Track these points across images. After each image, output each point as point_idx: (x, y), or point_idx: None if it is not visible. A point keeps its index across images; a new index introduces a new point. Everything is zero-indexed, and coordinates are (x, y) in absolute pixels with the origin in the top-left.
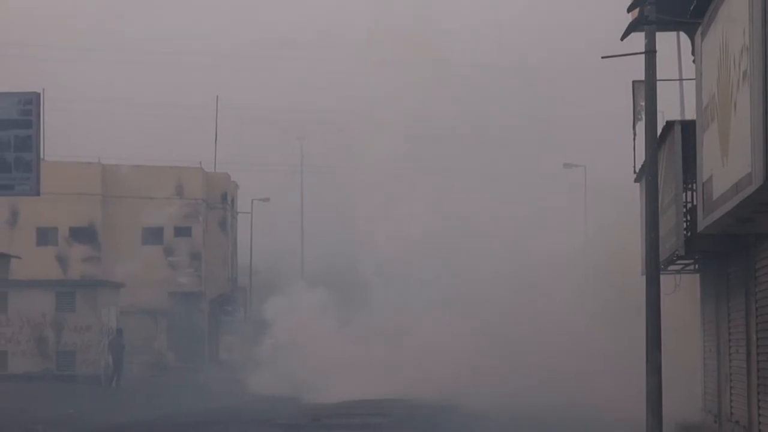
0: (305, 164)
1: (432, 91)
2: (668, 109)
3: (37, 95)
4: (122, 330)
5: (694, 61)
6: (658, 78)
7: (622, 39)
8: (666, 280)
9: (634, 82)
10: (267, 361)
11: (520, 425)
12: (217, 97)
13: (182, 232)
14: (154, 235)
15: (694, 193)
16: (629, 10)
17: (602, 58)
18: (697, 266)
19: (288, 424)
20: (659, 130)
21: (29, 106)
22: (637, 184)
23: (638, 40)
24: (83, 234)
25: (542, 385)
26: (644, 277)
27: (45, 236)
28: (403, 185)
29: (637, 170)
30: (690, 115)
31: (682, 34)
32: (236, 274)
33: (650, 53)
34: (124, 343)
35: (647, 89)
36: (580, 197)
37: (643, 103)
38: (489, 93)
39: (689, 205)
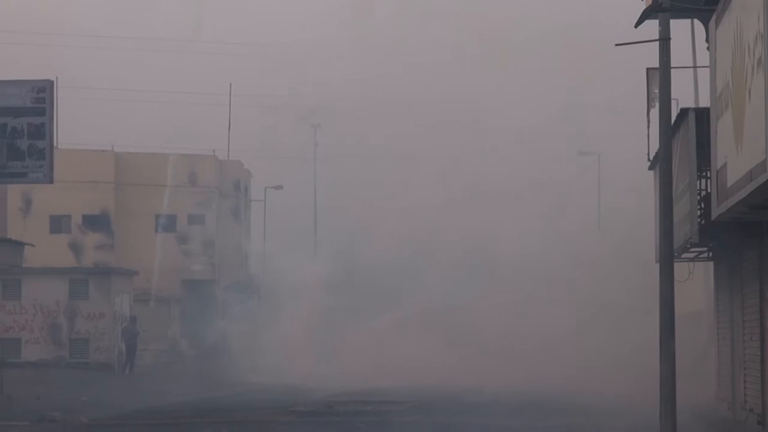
0: (318, 152)
1: (445, 80)
2: (682, 97)
3: (51, 83)
4: (136, 317)
5: (708, 49)
6: (672, 65)
7: (636, 26)
8: (680, 268)
9: (648, 69)
10: (279, 348)
11: (519, 411)
12: (231, 85)
13: (195, 219)
14: (167, 223)
15: (708, 181)
16: None
17: (616, 45)
18: (710, 254)
19: (303, 412)
20: (673, 118)
21: (42, 93)
22: (651, 172)
23: (652, 27)
24: (96, 222)
25: (556, 372)
26: (658, 264)
27: (58, 224)
28: (416, 172)
29: (651, 158)
30: (704, 102)
31: (697, 22)
32: (249, 261)
33: (664, 40)
34: (138, 331)
35: (661, 76)
36: (594, 184)
37: (657, 91)
38: (502, 79)
39: (703, 193)
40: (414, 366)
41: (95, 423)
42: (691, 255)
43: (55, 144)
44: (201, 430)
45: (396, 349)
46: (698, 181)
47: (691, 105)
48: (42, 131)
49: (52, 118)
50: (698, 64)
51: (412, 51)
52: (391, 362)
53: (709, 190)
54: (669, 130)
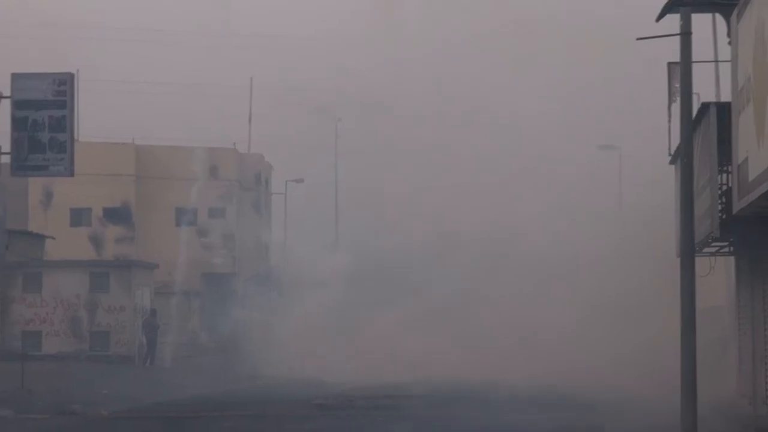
0: (340, 145)
1: (467, 72)
2: (703, 91)
3: (71, 76)
4: (156, 310)
5: (729, 43)
6: (693, 60)
7: (657, 20)
8: (700, 263)
9: (669, 63)
10: (298, 341)
11: (536, 406)
12: (252, 78)
13: (216, 213)
14: (187, 216)
15: (729, 176)
16: None
17: (637, 39)
18: (731, 249)
19: (323, 405)
20: (694, 112)
21: (63, 86)
22: (672, 167)
23: (673, 21)
24: (117, 215)
25: (574, 367)
26: (679, 259)
27: (79, 217)
28: (436, 167)
29: (672, 152)
30: (725, 96)
31: (718, 16)
32: (270, 255)
33: (685, 35)
34: (158, 324)
35: (682, 71)
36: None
37: (678, 85)
38: (524, 72)
39: (724, 188)
40: (432, 359)
41: (115, 416)
42: (712, 250)
43: (75, 137)
44: (221, 423)
45: (415, 342)
46: (719, 176)
47: (713, 99)
48: (63, 124)
49: (72, 111)
50: (719, 59)
51: (434, 42)
52: (409, 355)
53: (730, 185)
54: (690, 124)
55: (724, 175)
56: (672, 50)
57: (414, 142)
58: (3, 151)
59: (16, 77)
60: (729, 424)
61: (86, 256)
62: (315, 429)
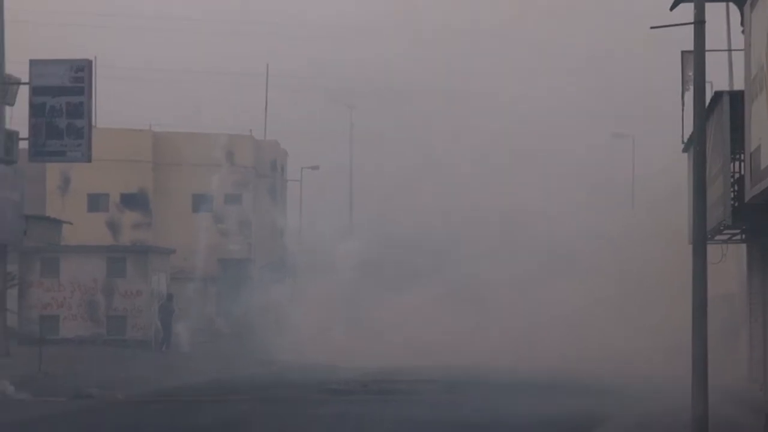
0: (354, 132)
1: (480, 63)
2: (717, 80)
3: (89, 62)
4: (173, 295)
5: (743, 32)
6: (706, 48)
7: (671, 9)
8: (712, 250)
9: (683, 52)
10: (313, 326)
11: (549, 391)
12: (268, 65)
13: (232, 199)
14: (204, 202)
15: (742, 164)
16: None
17: (651, 28)
18: (743, 236)
19: (338, 390)
20: (707, 101)
21: (81, 73)
22: (685, 154)
23: (687, 10)
24: (134, 200)
25: (591, 352)
26: (691, 246)
27: (96, 202)
28: (449, 153)
29: (685, 140)
30: (738, 85)
31: (731, 5)
32: (285, 241)
33: (699, 24)
34: (174, 308)
35: (696, 60)
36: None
37: (691, 74)
38: (538, 61)
39: (737, 176)
40: (447, 344)
41: (131, 399)
42: (724, 237)
43: (93, 123)
44: (237, 406)
45: (429, 327)
46: (732, 164)
47: (726, 88)
48: (80, 110)
49: (90, 97)
50: (733, 48)
51: (450, 30)
52: (424, 340)
53: (742, 173)
54: (703, 113)
55: (737, 163)
56: (686, 39)
57: (428, 128)
58: (21, 137)
59: (34, 63)
60: (740, 409)
61: (103, 241)
62: (330, 413)
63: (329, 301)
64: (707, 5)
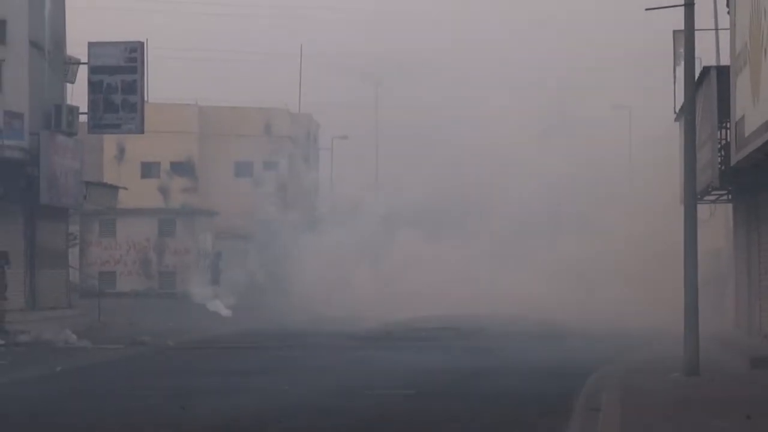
0: (381, 104)
1: (487, 39)
2: (705, 56)
3: (141, 44)
4: (221, 253)
5: (728, 13)
6: (695, 28)
7: None
8: (702, 209)
9: (674, 31)
10: (347, 281)
11: (553, 337)
12: (302, 45)
13: (270, 166)
14: (245, 168)
15: (728, 131)
16: None
17: (646, 9)
18: (730, 197)
19: (366, 337)
20: (697, 75)
21: (134, 53)
22: (677, 124)
23: None
24: (182, 168)
25: (592, 303)
26: (683, 206)
27: (149, 170)
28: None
29: (676, 111)
30: (725, 60)
31: None
32: (318, 203)
33: (689, 5)
34: (221, 265)
35: (686, 38)
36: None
37: (682, 50)
38: (546, 39)
39: (723, 142)
40: (474, 295)
41: (180, 346)
42: (713, 198)
43: (145, 98)
44: (275, 352)
45: (461, 279)
46: (719, 132)
47: (713, 64)
48: (134, 87)
49: (143, 75)
50: (720, 27)
51: (470, 11)
52: (455, 292)
53: (728, 140)
54: (693, 86)
55: (724, 131)
56: (677, 19)
57: (446, 101)
58: (81, 111)
59: (92, 45)
60: (727, 352)
61: (155, 204)
62: (364, 357)
63: (359, 256)
64: None
